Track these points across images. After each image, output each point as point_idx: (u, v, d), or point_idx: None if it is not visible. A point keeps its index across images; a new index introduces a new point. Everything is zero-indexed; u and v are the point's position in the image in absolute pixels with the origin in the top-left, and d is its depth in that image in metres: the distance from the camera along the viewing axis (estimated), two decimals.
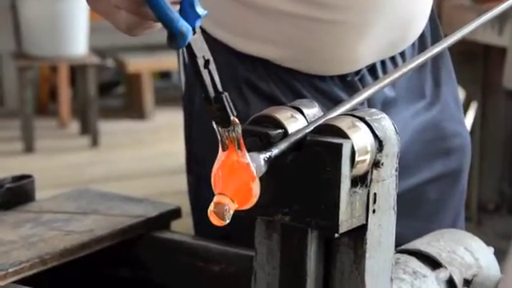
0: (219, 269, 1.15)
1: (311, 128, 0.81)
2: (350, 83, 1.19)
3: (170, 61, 5.22)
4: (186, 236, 1.21)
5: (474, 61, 3.02)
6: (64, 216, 1.20)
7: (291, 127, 0.82)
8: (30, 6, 4.47)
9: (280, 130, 0.81)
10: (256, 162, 0.75)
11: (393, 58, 1.23)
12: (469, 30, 1.02)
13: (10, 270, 1.02)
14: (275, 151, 0.78)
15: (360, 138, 0.79)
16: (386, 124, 0.82)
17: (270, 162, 0.77)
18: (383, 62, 1.22)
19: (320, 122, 0.81)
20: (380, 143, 0.81)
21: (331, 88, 1.18)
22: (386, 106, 1.21)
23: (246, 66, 1.18)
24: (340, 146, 0.77)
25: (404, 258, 0.95)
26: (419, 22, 1.23)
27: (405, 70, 0.94)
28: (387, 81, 0.92)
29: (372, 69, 1.21)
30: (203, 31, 0.78)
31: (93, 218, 1.19)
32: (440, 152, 1.27)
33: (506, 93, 3.04)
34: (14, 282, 1.03)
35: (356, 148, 0.79)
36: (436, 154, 1.26)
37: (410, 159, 1.21)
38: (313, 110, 0.85)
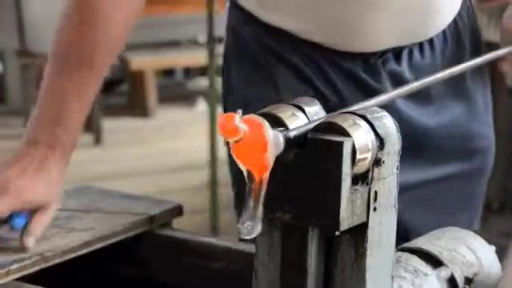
0: (221, 266, 1.15)
1: (312, 125, 0.81)
2: (373, 66, 1.20)
3: (174, 58, 5.23)
4: (188, 234, 1.21)
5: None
6: (66, 213, 1.20)
7: (292, 125, 0.81)
8: (34, 4, 4.48)
9: (281, 128, 0.81)
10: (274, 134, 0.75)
11: (421, 47, 1.23)
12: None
13: (12, 268, 1.02)
14: (293, 133, 0.78)
15: (361, 136, 0.79)
16: (387, 122, 0.82)
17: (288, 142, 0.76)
18: (411, 50, 1.22)
19: (321, 120, 0.81)
20: (381, 141, 0.81)
21: (354, 68, 1.20)
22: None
23: (272, 37, 1.22)
24: (341, 144, 0.77)
25: (405, 256, 0.95)
26: (441, 13, 1.23)
27: (428, 80, 0.97)
28: (408, 88, 0.94)
29: (397, 54, 1.21)
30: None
31: (95, 216, 1.19)
32: (464, 151, 1.28)
33: (511, 90, 3.04)
34: (16, 280, 1.03)
35: (357, 146, 0.78)
36: (460, 153, 1.27)
37: (432, 151, 1.23)
38: (314, 108, 0.84)
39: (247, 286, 0.89)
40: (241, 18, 1.25)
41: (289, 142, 0.76)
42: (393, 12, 1.17)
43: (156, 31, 5.08)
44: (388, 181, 0.83)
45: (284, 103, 0.85)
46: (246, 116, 0.74)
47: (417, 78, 1.20)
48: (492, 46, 1.18)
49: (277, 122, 0.82)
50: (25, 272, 1.04)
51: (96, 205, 1.23)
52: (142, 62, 4.99)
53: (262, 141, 0.73)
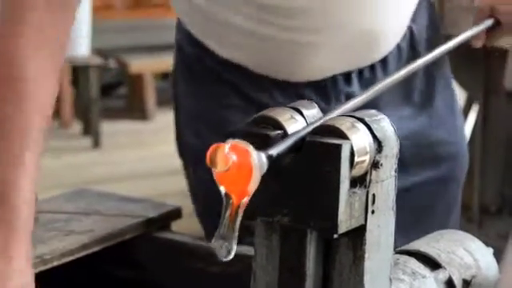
0: (219, 269, 1.15)
1: (310, 129, 0.81)
2: (323, 89, 1.21)
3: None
4: (187, 236, 1.21)
5: (476, 63, 3.02)
6: (64, 216, 1.20)
7: (291, 128, 0.82)
8: None
9: (279, 131, 0.81)
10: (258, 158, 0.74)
11: (372, 67, 1.23)
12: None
13: None
14: (275, 151, 0.77)
15: (359, 139, 0.79)
16: (385, 125, 0.82)
17: (271, 161, 0.77)
18: (361, 71, 1.22)
19: (319, 122, 0.81)
20: (379, 144, 0.81)
21: (303, 91, 1.20)
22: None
23: (216, 62, 1.23)
24: (339, 146, 0.77)
25: (403, 258, 0.95)
26: (389, 37, 1.22)
27: (396, 77, 0.95)
28: (383, 84, 0.92)
29: (347, 76, 1.21)
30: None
31: (93, 219, 1.19)
32: (428, 159, 1.26)
33: (508, 95, 3.04)
34: None
35: (355, 149, 0.79)
36: (423, 161, 1.25)
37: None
38: (312, 111, 0.85)
39: None
40: (187, 39, 1.26)
41: (272, 160, 0.75)
42: (335, 48, 1.18)
43: (155, 34, 5.08)
44: (386, 183, 0.83)
45: (282, 106, 0.85)
46: (231, 142, 0.72)
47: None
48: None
49: (275, 125, 0.82)
50: None
51: (94, 207, 1.23)
52: (140, 65, 4.99)
53: (247, 167, 0.72)
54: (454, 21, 2.85)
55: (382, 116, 0.84)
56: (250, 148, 0.73)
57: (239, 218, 0.74)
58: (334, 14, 1.15)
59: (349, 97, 1.21)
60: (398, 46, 1.24)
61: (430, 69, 1.27)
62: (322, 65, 1.18)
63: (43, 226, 1.16)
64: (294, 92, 1.20)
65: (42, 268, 1.06)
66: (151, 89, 5.17)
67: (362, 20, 1.16)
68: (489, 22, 1.16)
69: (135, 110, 5.25)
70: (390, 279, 0.86)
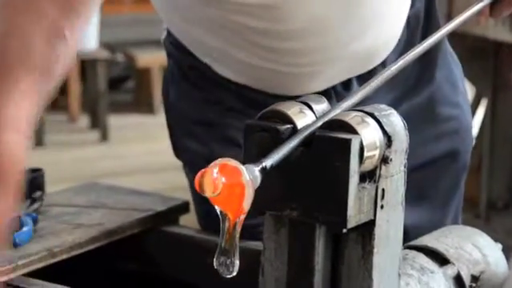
0: None
1: (320, 123, 0.81)
2: (324, 94, 1.21)
3: None
4: (195, 230, 1.21)
5: (485, 57, 3.01)
6: (73, 209, 1.20)
7: (300, 122, 0.82)
8: None
9: (289, 125, 0.81)
10: (252, 173, 0.73)
11: (369, 71, 1.23)
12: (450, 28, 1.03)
13: (20, 263, 1.03)
14: (269, 163, 0.75)
15: (369, 134, 0.79)
16: (394, 120, 0.82)
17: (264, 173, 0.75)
18: (360, 75, 1.22)
19: (329, 117, 0.81)
20: (389, 139, 0.81)
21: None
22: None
23: (211, 72, 1.21)
24: (349, 141, 0.77)
25: (412, 253, 0.95)
26: (389, 44, 1.21)
27: (408, 57, 0.94)
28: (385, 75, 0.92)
29: (348, 81, 1.21)
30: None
31: (102, 212, 1.19)
32: (432, 136, 1.25)
33: None
34: (23, 275, 1.03)
35: (365, 143, 0.79)
36: (428, 138, 1.25)
37: None
38: (322, 106, 0.85)
39: (253, 284, 0.89)
40: (179, 48, 1.25)
41: (266, 171, 0.74)
42: (335, 67, 1.17)
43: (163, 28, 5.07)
44: (395, 178, 0.83)
45: (291, 101, 0.85)
46: (220, 162, 0.71)
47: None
48: None
49: (284, 119, 0.82)
50: (32, 267, 1.04)
51: (103, 201, 1.24)
52: (148, 59, 4.99)
53: (239, 186, 0.71)
54: (463, 7, 2.84)
55: (391, 110, 0.83)
56: (240, 166, 0.71)
57: (237, 235, 0.73)
58: (335, 35, 1.14)
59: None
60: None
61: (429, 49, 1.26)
62: (322, 82, 1.19)
63: (53, 218, 1.16)
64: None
65: (51, 261, 1.06)
66: (159, 82, 5.17)
67: (365, 41, 1.16)
68: None
69: (143, 103, 5.26)
70: (399, 274, 0.86)
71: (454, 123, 1.28)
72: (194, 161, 1.26)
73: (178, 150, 1.32)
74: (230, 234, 0.74)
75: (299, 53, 1.14)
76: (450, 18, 2.87)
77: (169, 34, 1.28)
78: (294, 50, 1.14)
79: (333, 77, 1.19)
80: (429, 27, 1.26)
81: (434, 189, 1.27)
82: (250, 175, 0.71)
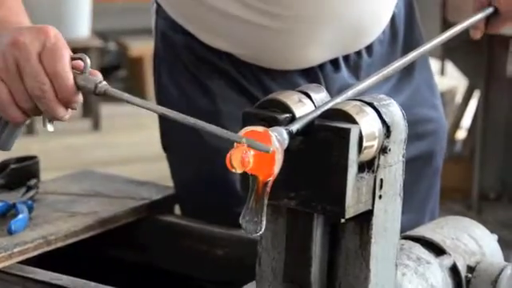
0: (223, 252, 1.16)
1: (320, 112, 0.80)
2: (312, 75, 1.21)
3: None
4: (190, 220, 1.21)
5: (478, 50, 3.01)
6: (68, 197, 1.20)
7: (299, 112, 0.81)
8: None
9: (287, 115, 0.81)
10: (280, 135, 0.76)
11: (358, 52, 1.23)
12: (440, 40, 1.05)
13: (15, 251, 1.03)
14: (295, 127, 0.78)
15: (368, 124, 0.79)
16: (394, 110, 0.82)
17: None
18: (347, 56, 1.23)
19: (328, 106, 0.81)
20: (388, 129, 0.81)
21: (294, 78, 1.20)
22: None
23: (206, 48, 1.22)
24: (348, 130, 0.77)
25: (408, 244, 0.95)
26: (375, 26, 1.23)
27: (389, 69, 0.96)
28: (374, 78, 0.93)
29: (335, 62, 1.22)
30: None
31: (97, 200, 1.19)
32: (411, 136, 1.27)
33: (510, 82, 3.04)
34: (19, 263, 1.03)
35: (364, 133, 0.78)
36: (407, 138, 1.26)
37: None
38: (320, 95, 0.84)
39: (249, 273, 0.89)
40: (171, 26, 1.25)
41: (292, 135, 0.77)
42: (323, 38, 1.18)
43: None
44: (394, 169, 0.83)
45: (290, 90, 0.85)
46: (251, 130, 0.74)
47: (357, 77, 1.22)
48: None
49: (283, 109, 0.81)
50: (27, 255, 1.04)
51: (98, 189, 1.23)
52: (140, 47, 4.97)
53: (270, 154, 0.74)
54: (457, 6, 2.84)
55: (390, 100, 0.83)
56: (270, 132, 0.74)
57: (266, 196, 0.76)
58: (325, 4, 1.15)
59: (338, 81, 1.22)
60: (383, 31, 1.26)
61: (409, 51, 1.27)
62: (311, 54, 1.19)
63: (48, 206, 1.16)
64: (284, 79, 1.20)
65: (46, 249, 1.06)
66: (151, 71, 5.16)
67: (352, 11, 1.17)
68: (489, 10, 1.16)
69: (135, 92, 5.23)
70: (396, 264, 0.86)
71: (433, 125, 1.30)
72: (182, 152, 1.26)
73: (167, 141, 1.31)
74: (260, 195, 0.76)
75: (294, 1, 1.14)
76: (444, 5, 2.88)
77: (158, 15, 1.27)
78: None
79: (322, 48, 1.18)
80: (409, 25, 1.29)
81: (410, 192, 1.29)
82: (279, 140, 0.74)
